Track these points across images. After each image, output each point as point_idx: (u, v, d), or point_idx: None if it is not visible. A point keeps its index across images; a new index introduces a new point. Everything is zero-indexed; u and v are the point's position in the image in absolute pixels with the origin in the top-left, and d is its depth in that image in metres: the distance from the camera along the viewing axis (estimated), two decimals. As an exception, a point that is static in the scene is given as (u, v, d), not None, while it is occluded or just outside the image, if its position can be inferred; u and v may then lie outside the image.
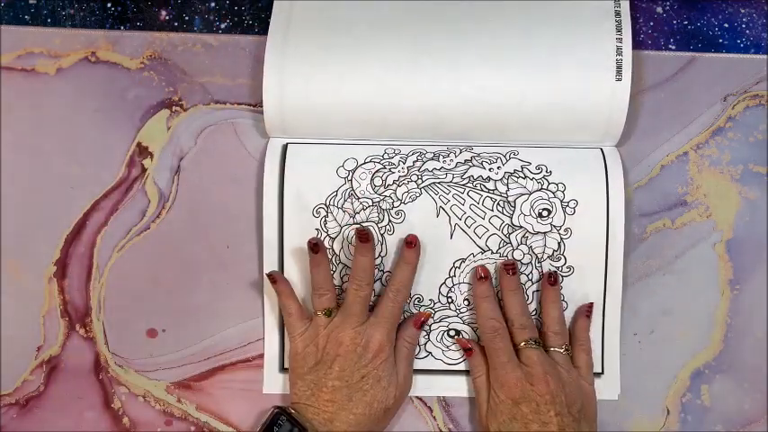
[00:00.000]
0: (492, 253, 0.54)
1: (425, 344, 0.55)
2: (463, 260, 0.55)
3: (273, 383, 0.56)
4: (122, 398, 0.56)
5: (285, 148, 0.56)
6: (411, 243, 0.53)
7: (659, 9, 0.59)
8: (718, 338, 0.56)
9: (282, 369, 0.56)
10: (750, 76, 0.57)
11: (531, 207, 0.54)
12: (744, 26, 0.58)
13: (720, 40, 0.58)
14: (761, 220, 0.56)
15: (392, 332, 0.53)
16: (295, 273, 0.55)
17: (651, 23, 0.59)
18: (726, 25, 0.58)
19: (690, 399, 0.55)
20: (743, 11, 0.59)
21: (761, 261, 0.56)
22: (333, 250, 0.55)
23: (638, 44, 0.58)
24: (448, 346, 0.55)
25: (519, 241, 0.54)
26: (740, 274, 0.56)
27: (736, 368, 0.56)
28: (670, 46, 0.58)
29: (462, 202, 0.54)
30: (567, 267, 0.54)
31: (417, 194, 0.55)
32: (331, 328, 0.52)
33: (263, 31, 0.56)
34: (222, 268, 0.57)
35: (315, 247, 0.52)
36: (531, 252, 0.54)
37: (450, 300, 0.55)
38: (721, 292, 0.56)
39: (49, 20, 0.59)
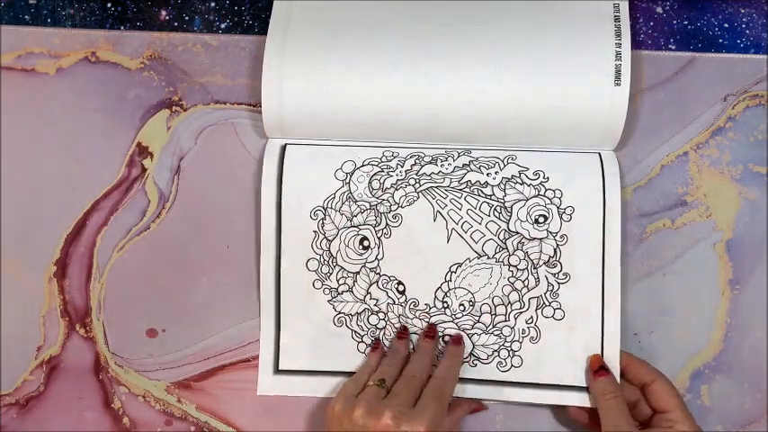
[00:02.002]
0: (488, 258, 0.54)
1: None
2: (459, 265, 0.55)
3: (268, 385, 0.56)
4: (122, 398, 0.57)
5: (284, 149, 0.56)
6: (458, 340, 0.54)
7: (659, 9, 0.59)
8: (718, 338, 0.56)
9: (277, 371, 0.56)
10: (750, 76, 0.57)
11: (528, 213, 0.54)
12: (744, 26, 0.58)
13: (720, 40, 0.58)
14: (761, 220, 0.56)
15: (440, 420, 0.48)
16: (291, 276, 0.55)
17: (651, 23, 0.59)
18: (726, 25, 0.58)
19: (690, 399, 0.55)
20: (743, 11, 0.59)
21: (761, 261, 0.56)
22: (330, 253, 0.55)
23: (637, 44, 0.58)
24: (442, 352, 0.55)
25: (515, 247, 0.54)
26: (740, 274, 0.56)
27: (736, 368, 0.56)
28: (670, 46, 0.58)
29: (459, 206, 0.54)
30: (563, 274, 0.54)
31: (415, 198, 0.55)
32: (373, 402, 0.49)
33: (263, 30, 0.56)
34: (222, 268, 0.57)
35: (401, 333, 0.54)
36: (527, 258, 0.54)
37: (445, 305, 0.55)
38: (721, 292, 0.56)
39: (49, 20, 0.59)
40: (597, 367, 0.53)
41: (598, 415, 0.51)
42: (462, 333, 0.55)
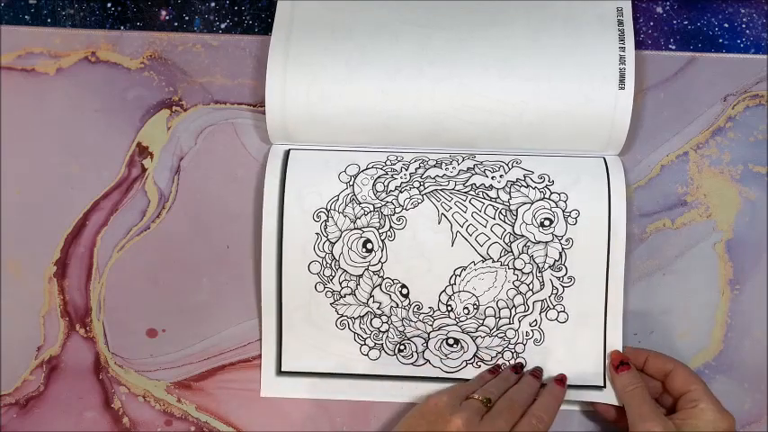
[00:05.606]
0: (493, 262, 0.54)
1: (424, 352, 0.55)
2: (464, 268, 0.54)
3: (270, 387, 0.56)
4: (122, 398, 0.56)
5: (287, 154, 0.56)
6: (561, 381, 0.53)
7: (659, 9, 0.59)
8: (718, 338, 0.56)
9: (280, 373, 0.56)
10: (750, 76, 0.57)
11: (533, 216, 0.54)
12: (744, 26, 0.58)
13: (720, 40, 0.58)
14: (761, 220, 0.56)
15: None
16: (293, 279, 0.55)
17: (651, 23, 0.59)
18: (726, 25, 0.58)
19: (690, 399, 0.55)
20: (743, 11, 0.59)
21: (761, 261, 0.56)
22: (332, 255, 0.55)
23: (638, 44, 0.58)
24: (446, 355, 0.55)
25: (520, 250, 0.54)
26: (740, 274, 0.56)
27: (736, 368, 0.56)
28: (670, 46, 0.58)
29: (464, 209, 0.54)
30: (567, 278, 0.54)
31: (419, 201, 0.54)
32: (474, 417, 0.49)
33: (264, 31, 0.56)
34: (222, 268, 0.57)
35: (516, 367, 0.54)
36: (532, 261, 0.54)
37: (449, 308, 0.55)
38: (721, 292, 0.56)
39: (49, 20, 0.59)
40: (618, 363, 0.53)
41: (623, 410, 0.52)
42: (566, 375, 0.54)
